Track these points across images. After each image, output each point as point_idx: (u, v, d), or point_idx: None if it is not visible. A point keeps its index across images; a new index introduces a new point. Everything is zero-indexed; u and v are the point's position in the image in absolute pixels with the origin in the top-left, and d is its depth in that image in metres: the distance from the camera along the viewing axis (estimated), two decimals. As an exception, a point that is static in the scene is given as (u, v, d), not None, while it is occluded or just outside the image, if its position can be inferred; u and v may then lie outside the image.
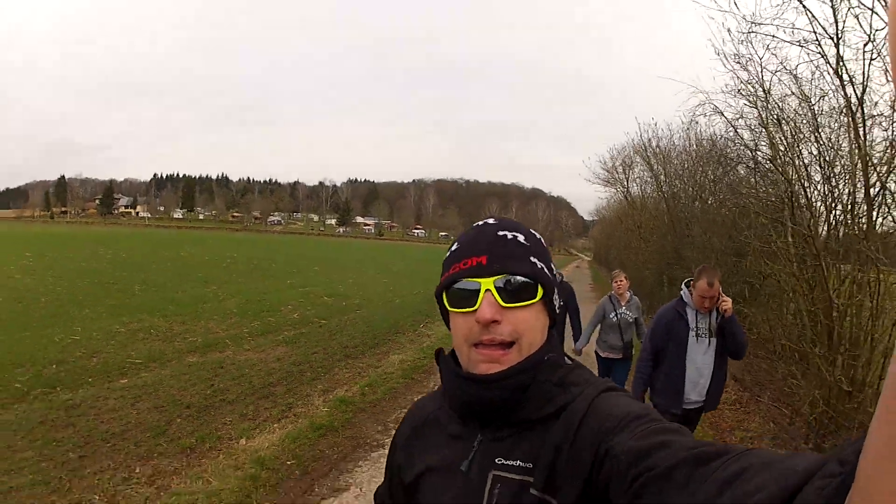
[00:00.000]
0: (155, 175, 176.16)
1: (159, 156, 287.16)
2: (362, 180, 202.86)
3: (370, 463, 5.05)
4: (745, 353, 4.14)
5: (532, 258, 0.92)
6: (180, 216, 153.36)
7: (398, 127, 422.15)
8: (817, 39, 4.64)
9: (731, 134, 7.19)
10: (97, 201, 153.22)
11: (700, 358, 3.96)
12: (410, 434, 1.07)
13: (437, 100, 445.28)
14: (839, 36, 4.45)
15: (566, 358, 0.97)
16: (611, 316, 5.80)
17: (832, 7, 4.42)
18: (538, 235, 1.00)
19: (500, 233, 0.94)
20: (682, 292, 4.03)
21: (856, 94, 4.50)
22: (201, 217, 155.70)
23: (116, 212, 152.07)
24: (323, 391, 7.11)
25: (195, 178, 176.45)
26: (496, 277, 0.89)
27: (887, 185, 4.38)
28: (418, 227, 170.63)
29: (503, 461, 0.86)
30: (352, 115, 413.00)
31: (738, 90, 6.03)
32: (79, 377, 7.41)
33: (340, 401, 6.59)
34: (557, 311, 0.98)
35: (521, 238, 0.94)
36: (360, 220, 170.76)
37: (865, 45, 4.29)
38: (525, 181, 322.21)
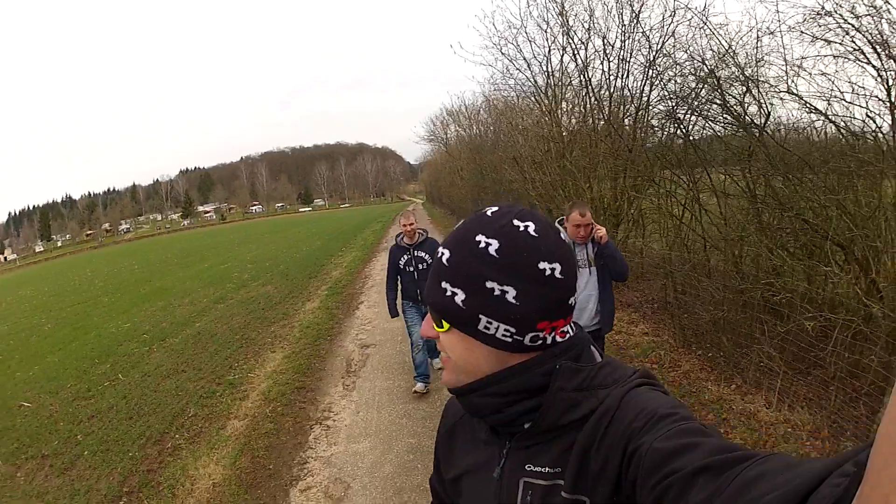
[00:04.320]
0: (10, 214, 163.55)
1: (4, 195, 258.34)
2: (194, 168, 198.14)
3: (369, 286, 12.08)
4: (628, 275, 4.36)
5: (443, 283, 0.84)
6: (41, 248, 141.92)
7: (215, 108, 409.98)
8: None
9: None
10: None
11: (583, 285, 4.13)
12: (447, 433, 1.09)
13: (246, 76, 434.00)
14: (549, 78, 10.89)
15: (597, 354, 0.89)
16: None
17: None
18: (485, 243, 0.82)
19: (439, 251, 0.88)
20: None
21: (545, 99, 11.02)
22: (59, 244, 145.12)
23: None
24: (320, 284, 13.38)
25: (42, 206, 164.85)
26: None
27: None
28: (255, 203, 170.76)
29: (532, 467, 0.85)
30: (168, 109, 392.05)
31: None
32: (224, 296, 13.95)
33: (334, 282, 13.05)
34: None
35: (444, 258, 0.86)
36: (200, 208, 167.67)
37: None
38: (348, 137, 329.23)
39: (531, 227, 0.83)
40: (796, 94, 4.79)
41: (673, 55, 6.78)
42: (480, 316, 0.82)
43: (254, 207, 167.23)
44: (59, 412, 7.74)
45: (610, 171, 8.44)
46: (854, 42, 4.27)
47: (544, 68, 9.74)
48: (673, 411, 0.74)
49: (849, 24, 4.25)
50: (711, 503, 0.56)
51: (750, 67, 5.33)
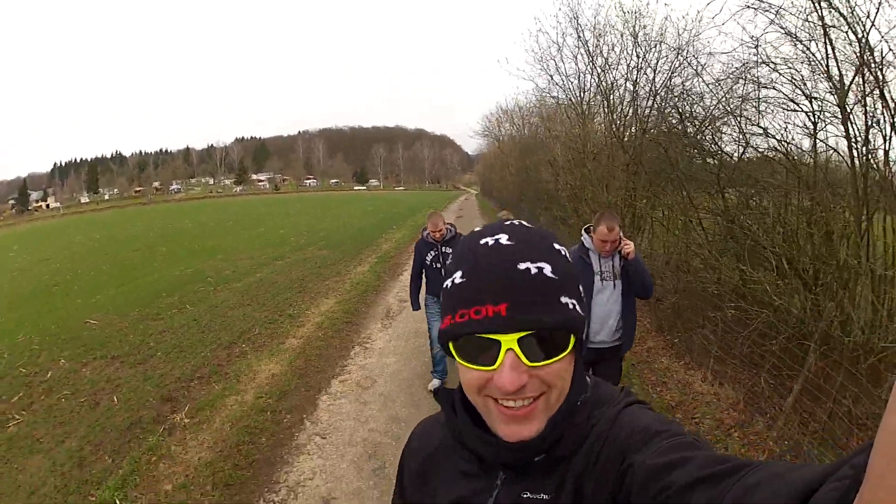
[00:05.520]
0: (55, 164, 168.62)
1: (53, 145, 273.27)
2: (249, 137, 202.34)
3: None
4: (652, 292, 4.20)
5: (563, 298, 0.75)
6: (87, 200, 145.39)
7: (278, 82, 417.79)
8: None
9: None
10: (11, 202, 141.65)
11: (606, 299, 3.99)
12: (419, 466, 0.99)
13: (311, 51, 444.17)
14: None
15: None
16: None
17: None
18: (564, 251, 0.81)
19: (522, 265, 0.74)
20: (583, 238, 4.03)
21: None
22: (107, 197, 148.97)
23: (30, 208, 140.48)
24: (371, 253, 15.28)
25: (91, 160, 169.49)
26: (521, 334, 0.72)
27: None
28: (309, 176, 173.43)
29: (529, 495, 0.80)
30: (227, 77, 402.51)
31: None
32: (282, 255, 15.87)
33: (384, 253, 15.02)
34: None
35: (547, 270, 0.75)
36: (254, 177, 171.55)
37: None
38: (408, 123, 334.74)
39: None
40: (757, 126, 5.99)
41: (665, 91, 8.35)
42: (584, 323, 0.80)
43: (308, 181, 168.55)
44: (129, 328, 8.79)
45: (623, 182, 9.83)
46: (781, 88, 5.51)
47: (579, 85, 11.22)
48: (665, 428, 0.74)
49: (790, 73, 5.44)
50: None
51: (721, 104, 6.71)
